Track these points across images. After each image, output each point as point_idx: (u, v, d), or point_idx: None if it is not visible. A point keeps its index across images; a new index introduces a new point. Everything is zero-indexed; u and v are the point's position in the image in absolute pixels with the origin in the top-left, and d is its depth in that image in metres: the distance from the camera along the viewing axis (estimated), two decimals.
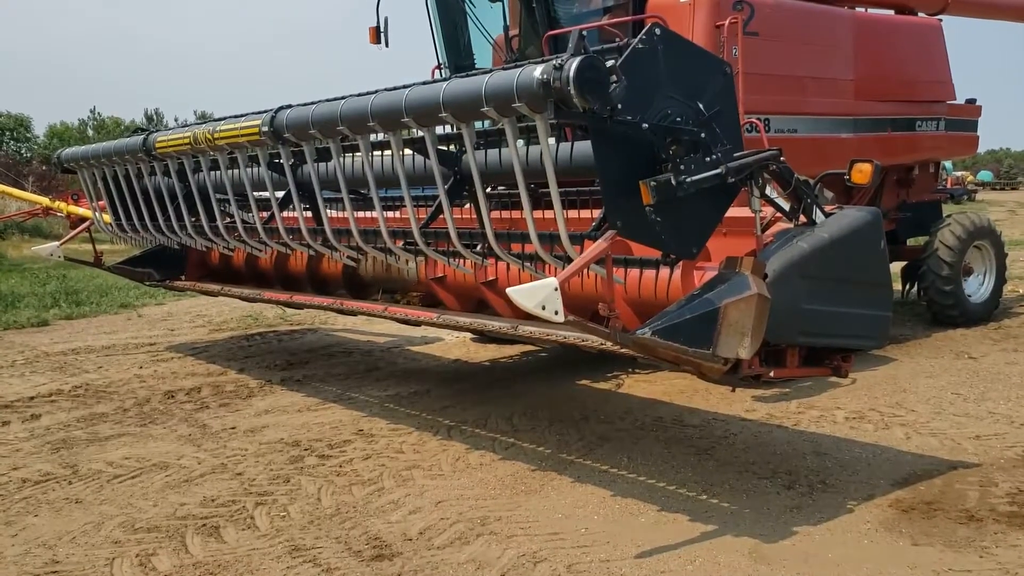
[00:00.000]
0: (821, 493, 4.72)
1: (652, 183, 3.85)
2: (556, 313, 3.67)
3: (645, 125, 3.86)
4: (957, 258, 8.89)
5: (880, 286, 4.73)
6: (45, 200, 22.74)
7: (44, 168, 32.96)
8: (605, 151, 3.86)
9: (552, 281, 3.70)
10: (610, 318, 3.95)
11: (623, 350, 4.26)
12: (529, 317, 3.92)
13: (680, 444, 5.59)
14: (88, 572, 3.97)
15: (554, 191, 4.04)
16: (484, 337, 8.67)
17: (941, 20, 9.66)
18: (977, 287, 9.43)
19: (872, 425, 5.89)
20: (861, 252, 4.57)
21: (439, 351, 8.97)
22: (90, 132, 51.63)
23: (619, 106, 3.75)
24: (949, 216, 9.35)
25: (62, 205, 21.43)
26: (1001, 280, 9.55)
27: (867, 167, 4.58)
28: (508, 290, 3.67)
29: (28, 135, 51.14)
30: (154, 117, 55.84)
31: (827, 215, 4.60)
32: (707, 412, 6.30)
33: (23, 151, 48.29)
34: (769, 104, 7.49)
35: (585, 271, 4.15)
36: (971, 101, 10.09)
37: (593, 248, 3.87)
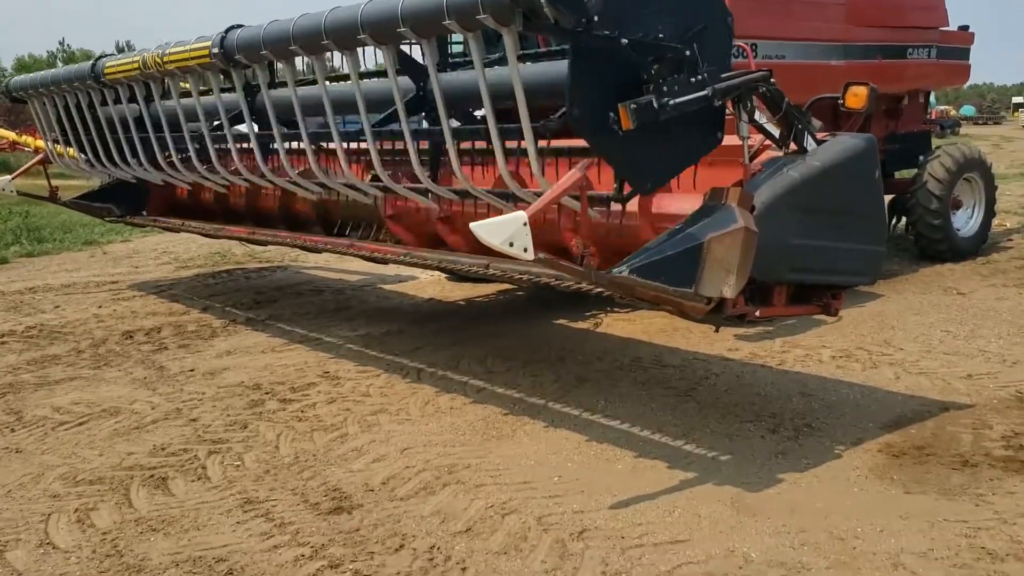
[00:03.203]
0: (807, 437, 4.47)
1: (632, 106, 3.51)
2: (525, 250, 3.35)
3: (625, 40, 3.51)
4: (946, 191, 8.59)
5: (874, 218, 4.43)
6: (11, 135, 22.12)
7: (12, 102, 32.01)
8: (580, 70, 3.51)
9: (520, 215, 3.37)
10: (584, 256, 3.64)
11: (599, 290, 3.96)
12: (494, 254, 3.60)
13: (659, 386, 5.32)
14: (20, 530, 3.69)
15: (523, 113, 3.70)
16: (458, 276, 8.35)
17: None
18: (966, 221, 9.15)
19: (860, 364, 5.65)
20: (855, 182, 4.25)
21: (413, 290, 8.65)
22: (59, 65, 50.30)
23: (595, 18, 3.40)
24: (939, 148, 9.03)
25: (29, 140, 20.85)
26: (990, 214, 9.27)
27: (863, 90, 4.23)
28: (472, 225, 3.35)
29: None
30: (125, 49, 54.44)
31: (819, 142, 4.27)
32: (688, 352, 6.03)
33: None
34: (757, 28, 7.09)
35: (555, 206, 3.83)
36: (964, 28, 9.70)
37: (567, 178, 3.55)
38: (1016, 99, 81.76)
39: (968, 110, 67.08)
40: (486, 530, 3.56)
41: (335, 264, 9.82)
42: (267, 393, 5.42)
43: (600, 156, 3.66)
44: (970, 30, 9.72)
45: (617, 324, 6.86)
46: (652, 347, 6.18)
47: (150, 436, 4.74)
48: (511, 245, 3.34)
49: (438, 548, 3.44)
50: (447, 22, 3.61)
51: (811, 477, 4.01)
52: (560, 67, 4.26)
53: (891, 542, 3.37)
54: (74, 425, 4.93)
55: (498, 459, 4.30)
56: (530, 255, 3.37)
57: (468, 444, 4.51)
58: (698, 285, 3.61)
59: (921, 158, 8.82)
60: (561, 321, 7.05)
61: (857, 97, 4.28)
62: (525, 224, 3.35)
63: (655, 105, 3.57)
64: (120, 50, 53.52)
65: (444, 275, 8.85)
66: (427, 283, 8.90)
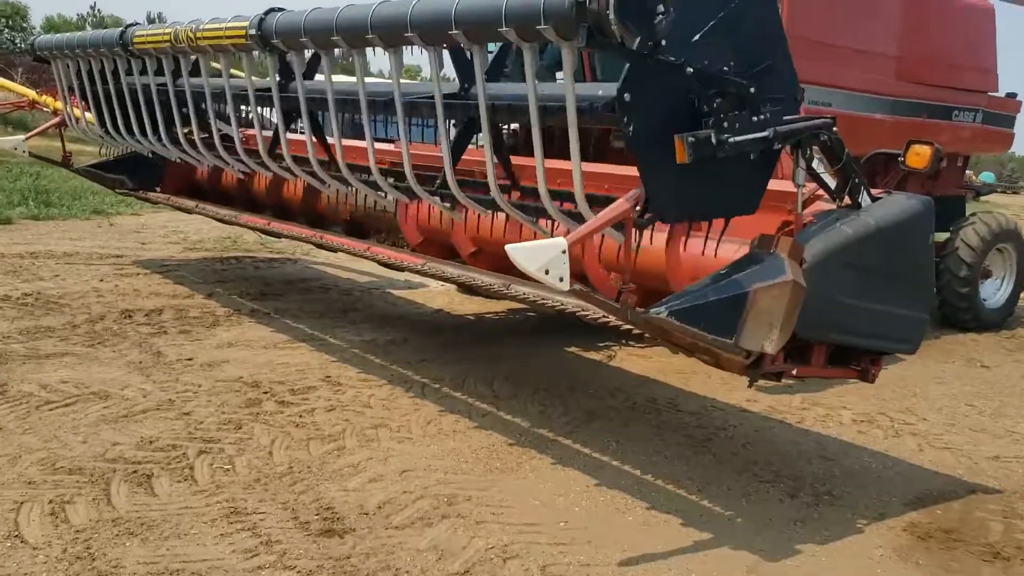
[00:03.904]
0: (828, 506, 4.23)
1: (690, 139, 3.29)
2: (561, 280, 3.12)
3: (690, 69, 3.29)
4: (978, 259, 8.35)
5: (923, 285, 4.21)
6: (32, 93, 21.92)
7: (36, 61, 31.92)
8: (637, 92, 3.29)
9: (560, 242, 3.14)
10: (622, 292, 3.40)
11: (634, 329, 3.72)
12: (515, 271, 3.36)
13: (674, 432, 5.08)
14: None
15: (573, 135, 3.47)
16: (470, 290, 8.12)
17: (993, 1, 9.02)
18: (994, 292, 8.89)
19: (881, 431, 5.40)
20: (908, 245, 4.03)
21: (421, 298, 8.42)
22: (88, 29, 50.27)
23: (663, 42, 3.18)
24: (973, 214, 8.79)
25: (49, 100, 20.65)
26: (1020, 287, 9.02)
27: (926, 150, 4.03)
28: (508, 247, 3.11)
29: (24, 24, 49.67)
30: (156, 21, 54.38)
31: (874, 199, 4.05)
32: (705, 398, 5.79)
33: (17, 41, 46.89)
34: (806, 71, 6.86)
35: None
36: (1012, 95, 9.49)
37: (613, 208, 3.31)
38: None
39: (988, 176, 66.54)
40: (485, 575, 3.32)
41: (344, 262, 9.58)
42: (265, 392, 5.18)
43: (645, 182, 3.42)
44: (1018, 98, 9.52)
45: (631, 359, 6.62)
46: (668, 389, 5.94)
47: (138, 427, 4.51)
48: (547, 273, 3.11)
49: None
50: (503, 29, 3.39)
51: (832, 551, 3.77)
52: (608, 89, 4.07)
53: None
54: (60, 406, 4.70)
55: (501, 494, 4.05)
56: (565, 285, 3.14)
57: (470, 473, 4.27)
58: (739, 337, 3.39)
59: (955, 223, 8.59)
60: (573, 349, 6.81)
61: (919, 156, 4.09)
62: (564, 252, 3.12)
63: (713, 141, 3.35)
64: (151, 21, 53.49)
65: (455, 287, 8.62)
66: (437, 293, 8.67)
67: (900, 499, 4.38)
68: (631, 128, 3.29)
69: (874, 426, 5.49)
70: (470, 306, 8.13)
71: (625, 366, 6.45)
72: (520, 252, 3.09)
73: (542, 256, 3.09)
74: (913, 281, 4.10)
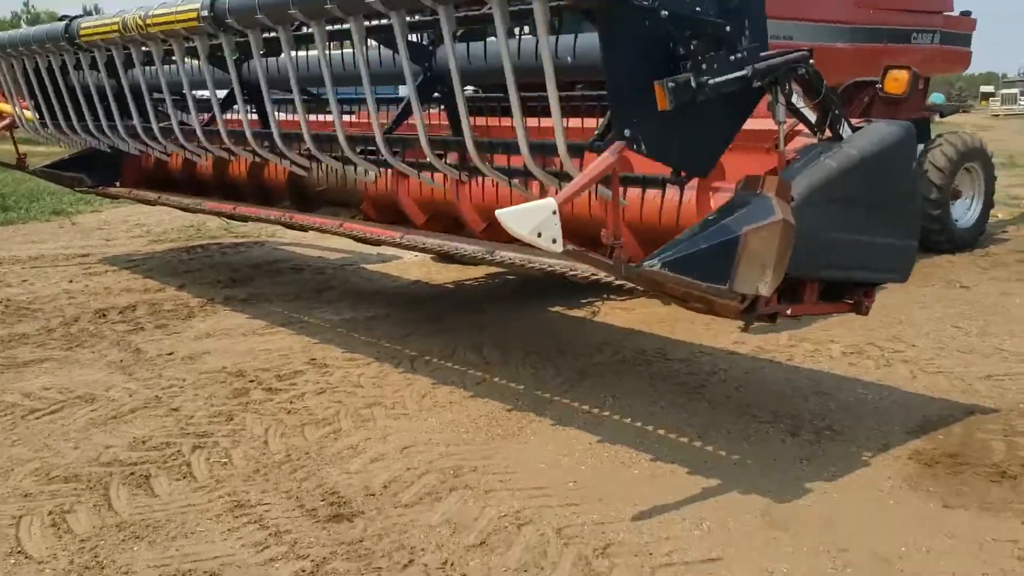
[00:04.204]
0: (830, 441, 4.23)
1: (670, 84, 3.21)
2: (554, 241, 3.05)
3: (665, 12, 3.21)
4: (947, 180, 8.38)
5: (910, 211, 4.19)
6: None
7: None
8: (615, 44, 3.21)
9: (550, 202, 3.06)
10: (614, 247, 3.34)
11: (627, 284, 3.67)
12: (509, 240, 3.30)
13: (667, 381, 5.07)
14: None
15: (552, 92, 3.39)
16: (446, 257, 8.03)
17: None
18: (964, 211, 8.94)
19: (872, 361, 5.41)
20: (892, 172, 3.98)
21: (396, 270, 8.33)
22: (23, 27, 49.03)
23: None
24: (939, 136, 8.81)
25: None
26: (989, 205, 9.09)
27: (903, 75, 4.01)
28: (498, 212, 3.04)
29: None
30: (93, 12, 53.10)
31: (854, 128, 4.01)
32: (692, 344, 5.78)
33: None
34: (767, 6, 6.80)
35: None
36: (966, 13, 9.48)
37: (598, 162, 3.24)
38: (984, 88, 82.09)
39: (938, 97, 66.80)
40: (501, 544, 3.28)
41: (313, 241, 9.47)
42: (252, 381, 5.09)
43: (636, 139, 3.34)
44: (972, 15, 9.52)
45: (615, 313, 6.59)
46: (654, 339, 5.92)
47: (129, 427, 4.41)
48: (539, 236, 3.04)
49: (451, 564, 3.15)
50: None
51: (842, 487, 3.76)
52: (582, 42, 3.99)
53: (940, 564, 3.14)
54: (46, 413, 4.59)
55: (506, 461, 4.02)
56: (559, 247, 3.08)
57: (472, 443, 4.23)
58: (732, 282, 3.33)
59: (921, 146, 8.60)
60: (557, 309, 6.76)
61: (898, 82, 4.06)
62: (555, 212, 3.05)
63: (693, 84, 3.28)
64: (87, 13, 52.33)
65: (430, 256, 8.53)
66: (412, 264, 8.58)
67: (901, 428, 4.38)
68: (610, 77, 3.21)
69: (864, 357, 5.50)
70: (448, 274, 8.06)
71: (609, 320, 6.42)
72: (510, 216, 3.02)
73: (533, 218, 3.02)
74: (900, 209, 4.07)
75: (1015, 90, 49.78)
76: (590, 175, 3.22)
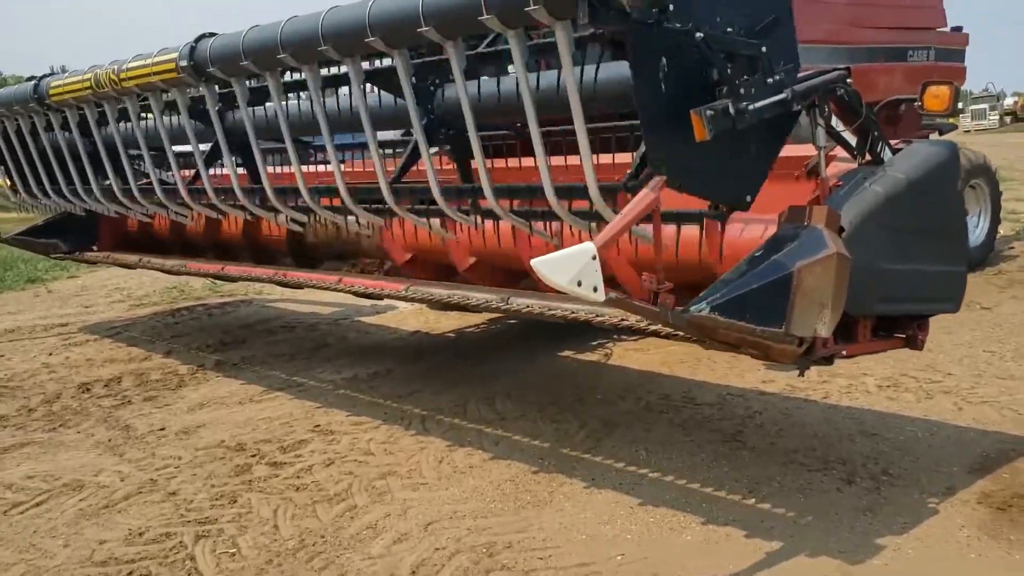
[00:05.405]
0: (890, 487, 3.90)
1: (708, 112, 2.92)
2: (595, 290, 2.73)
3: (699, 35, 2.92)
4: None
5: (956, 236, 3.90)
6: None
7: None
8: (647, 71, 2.92)
9: (588, 248, 2.75)
10: (658, 293, 3.02)
11: (674, 332, 3.35)
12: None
13: (701, 429, 4.73)
14: None
15: (580, 126, 3.08)
16: (444, 305, 7.68)
17: None
18: (972, 230, 8.70)
19: (912, 394, 5.10)
20: (940, 196, 3.71)
21: (394, 322, 7.97)
22: None
23: (670, 7, 2.80)
24: None
25: None
26: (996, 221, 8.87)
27: (945, 91, 3.76)
28: (533, 262, 2.72)
29: None
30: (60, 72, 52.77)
31: (894, 151, 3.73)
32: (719, 386, 5.45)
33: None
34: None
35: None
36: (957, 29, 9.32)
37: (638, 201, 2.92)
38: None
39: None
40: None
41: (303, 296, 9.07)
42: (253, 455, 4.71)
43: (672, 175, 3.03)
44: (964, 30, 9.36)
45: (630, 355, 6.26)
46: (678, 382, 5.58)
47: (123, 517, 4.02)
48: (579, 284, 2.72)
49: None
50: (484, 18, 2.99)
51: (914, 540, 3.43)
52: (614, 70, 3.70)
53: None
54: (30, 506, 4.19)
55: (542, 533, 3.65)
56: (600, 296, 2.76)
57: (501, 514, 3.86)
58: (789, 324, 3.02)
59: None
60: (567, 353, 6.43)
61: (939, 99, 3.80)
62: (594, 258, 2.74)
63: (732, 111, 2.99)
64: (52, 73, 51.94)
65: (427, 305, 8.18)
66: (408, 313, 8.23)
67: (961, 468, 4.06)
68: (643, 108, 2.92)
69: (902, 390, 5.19)
70: (448, 322, 7.71)
71: (626, 363, 6.08)
72: (547, 265, 2.70)
73: (572, 266, 2.71)
74: (947, 234, 3.79)
75: (984, 105, 50.02)
76: (630, 215, 2.91)
